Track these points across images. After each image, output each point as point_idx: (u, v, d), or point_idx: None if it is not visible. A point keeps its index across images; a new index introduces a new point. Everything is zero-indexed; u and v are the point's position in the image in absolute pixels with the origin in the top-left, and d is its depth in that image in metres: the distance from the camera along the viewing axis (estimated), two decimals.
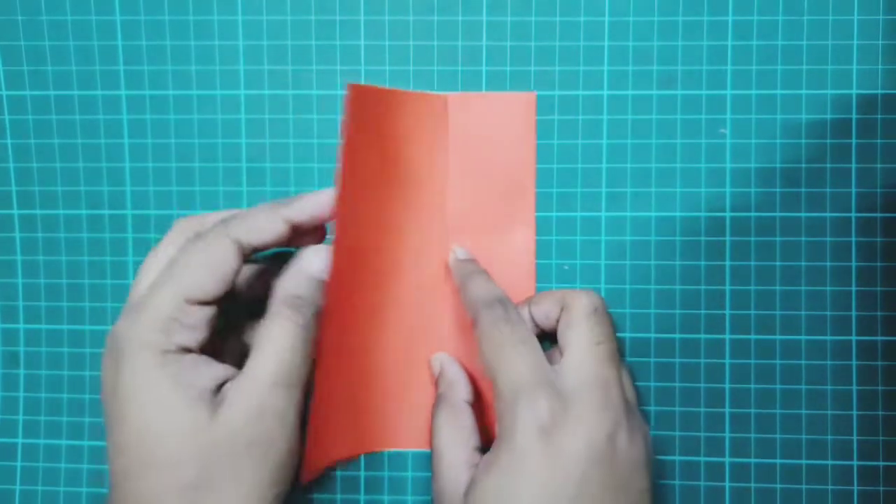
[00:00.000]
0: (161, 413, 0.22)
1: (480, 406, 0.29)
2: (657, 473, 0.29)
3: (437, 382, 0.29)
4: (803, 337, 0.29)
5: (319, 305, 0.24)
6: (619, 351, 0.25)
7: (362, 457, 0.30)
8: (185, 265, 0.23)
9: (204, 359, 0.24)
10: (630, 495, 0.23)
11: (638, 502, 0.23)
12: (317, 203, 0.25)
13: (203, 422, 0.22)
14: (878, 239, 0.29)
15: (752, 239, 0.29)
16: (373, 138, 0.27)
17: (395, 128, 0.28)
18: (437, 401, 0.28)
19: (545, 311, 0.27)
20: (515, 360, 0.24)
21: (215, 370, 0.23)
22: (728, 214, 0.29)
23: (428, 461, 0.30)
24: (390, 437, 0.30)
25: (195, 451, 0.22)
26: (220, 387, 0.23)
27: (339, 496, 0.30)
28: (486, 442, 0.25)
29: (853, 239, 0.29)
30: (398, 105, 0.28)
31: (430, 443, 0.26)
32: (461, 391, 0.28)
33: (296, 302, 0.24)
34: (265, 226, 0.24)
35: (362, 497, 0.30)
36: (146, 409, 0.22)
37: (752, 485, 0.29)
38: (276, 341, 0.23)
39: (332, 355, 0.26)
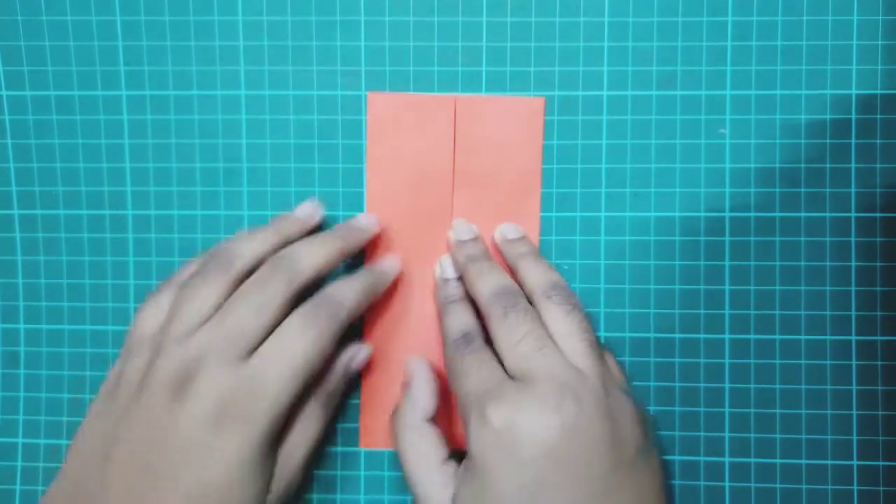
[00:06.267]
0: (245, 490, 0.23)
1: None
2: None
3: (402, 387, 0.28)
4: (803, 337, 0.29)
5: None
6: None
7: (362, 457, 0.30)
8: (296, 352, 0.24)
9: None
10: (588, 485, 0.22)
11: (597, 490, 0.22)
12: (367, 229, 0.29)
13: (263, 488, 0.24)
14: (878, 239, 0.29)
15: (752, 239, 0.29)
16: (390, 144, 0.29)
17: (407, 132, 0.29)
18: (397, 418, 0.27)
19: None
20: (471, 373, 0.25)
21: (276, 458, 0.25)
22: (728, 214, 0.29)
23: None
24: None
25: None
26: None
27: (338, 496, 0.30)
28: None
29: (853, 239, 0.29)
30: (411, 109, 0.29)
31: (400, 458, 0.26)
32: (421, 409, 0.26)
33: (330, 400, 0.27)
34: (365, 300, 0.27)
35: (362, 497, 0.30)
36: (234, 484, 0.23)
37: (752, 485, 0.29)
38: (311, 434, 0.26)
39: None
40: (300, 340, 0.24)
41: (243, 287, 0.25)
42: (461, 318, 0.27)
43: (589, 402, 0.23)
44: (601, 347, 0.25)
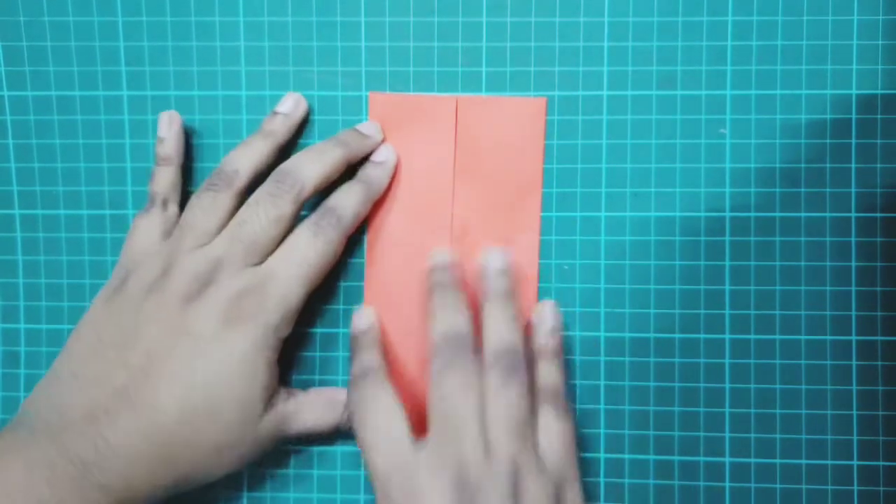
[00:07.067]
0: (244, 388, 0.24)
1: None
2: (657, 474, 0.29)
3: None
4: (803, 337, 0.29)
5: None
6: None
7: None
8: (306, 258, 0.26)
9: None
10: None
11: None
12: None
13: (256, 417, 0.25)
14: (878, 239, 0.29)
15: (752, 239, 0.29)
16: (391, 143, 0.29)
17: (408, 132, 0.29)
18: None
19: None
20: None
21: (278, 370, 0.26)
22: (728, 214, 0.29)
23: None
24: None
25: (234, 430, 0.24)
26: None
27: (338, 496, 0.30)
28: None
29: (853, 239, 0.29)
30: (412, 109, 0.29)
31: None
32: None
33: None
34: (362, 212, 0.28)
35: (362, 497, 0.30)
36: (234, 378, 0.24)
37: (752, 485, 0.29)
38: (320, 421, 0.27)
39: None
40: (309, 249, 0.26)
41: (254, 201, 0.26)
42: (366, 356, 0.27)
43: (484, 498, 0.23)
44: (526, 426, 0.24)
